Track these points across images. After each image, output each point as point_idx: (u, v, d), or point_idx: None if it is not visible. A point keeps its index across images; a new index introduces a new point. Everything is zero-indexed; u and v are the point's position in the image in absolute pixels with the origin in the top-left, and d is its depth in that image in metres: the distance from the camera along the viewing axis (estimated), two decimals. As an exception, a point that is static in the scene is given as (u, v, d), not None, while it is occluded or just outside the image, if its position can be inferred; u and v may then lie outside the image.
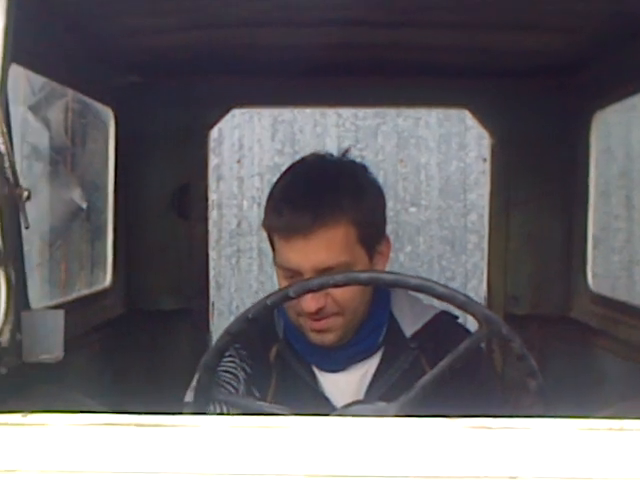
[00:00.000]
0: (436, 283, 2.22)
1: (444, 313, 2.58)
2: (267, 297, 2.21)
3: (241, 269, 5.99)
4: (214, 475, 1.62)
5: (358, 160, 2.73)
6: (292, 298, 2.23)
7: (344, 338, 2.52)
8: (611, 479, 1.62)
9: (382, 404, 2.16)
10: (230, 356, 2.52)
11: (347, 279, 2.25)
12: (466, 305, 2.18)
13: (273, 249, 2.55)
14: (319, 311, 2.42)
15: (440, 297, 2.21)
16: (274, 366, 2.54)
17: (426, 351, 2.40)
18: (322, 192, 2.47)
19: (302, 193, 2.48)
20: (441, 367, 2.16)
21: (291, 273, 2.46)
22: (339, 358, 2.56)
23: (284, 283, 2.46)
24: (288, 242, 2.44)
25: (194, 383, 2.31)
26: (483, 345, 2.66)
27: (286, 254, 2.46)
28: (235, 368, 2.53)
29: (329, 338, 2.50)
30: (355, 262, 2.46)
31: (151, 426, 1.70)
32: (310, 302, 2.38)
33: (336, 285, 2.23)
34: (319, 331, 2.49)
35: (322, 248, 2.41)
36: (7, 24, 1.95)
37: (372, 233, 2.53)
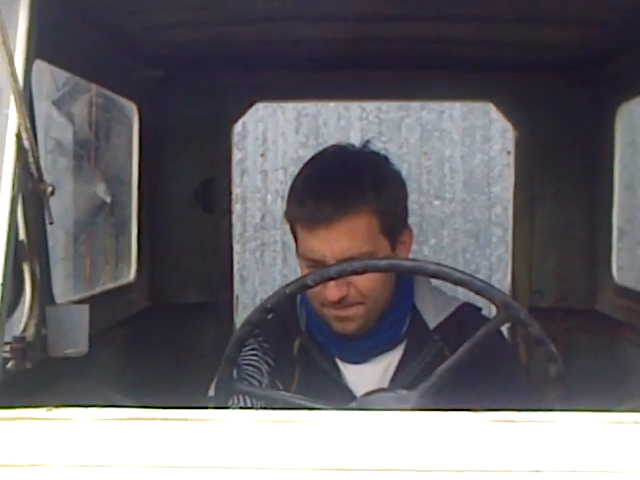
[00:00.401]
0: (454, 269, 2.21)
1: (467, 305, 2.58)
2: (286, 286, 2.21)
3: (265, 263, 6.00)
4: (237, 469, 1.63)
5: (381, 152, 2.74)
6: (310, 287, 2.24)
7: (366, 327, 2.52)
8: (636, 472, 1.62)
9: (403, 392, 2.17)
10: (253, 349, 2.53)
11: (365, 266, 2.24)
12: (484, 291, 2.18)
13: (296, 240, 2.56)
14: (342, 300, 2.42)
15: (458, 283, 2.21)
16: (297, 359, 2.54)
17: (449, 343, 2.38)
18: (344, 182, 2.48)
19: (324, 183, 2.49)
20: (460, 353, 2.15)
21: (314, 263, 2.46)
22: (362, 349, 2.56)
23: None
24: (311, 232, 2.45)
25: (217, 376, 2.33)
26: (507, 337, 2.66)
27: (309, 244, 2.47)
28: (258, 361, 2.54)
29: (352, 327, 2.50)
30: (377, 252, 2.46)
31: (176, 420, 1.71)
32: (333, 291, 2.39)
33: (354, 272, 2.23)
34: (342, 319, 2.49)
35: (344, 238, 2.42)
36: (31, 20, 1.96)
37: (394, 223, 2.54)
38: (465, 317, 2.52)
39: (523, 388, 2.54)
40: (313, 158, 2.68)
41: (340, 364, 2.58)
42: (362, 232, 2.44)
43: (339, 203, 2.42)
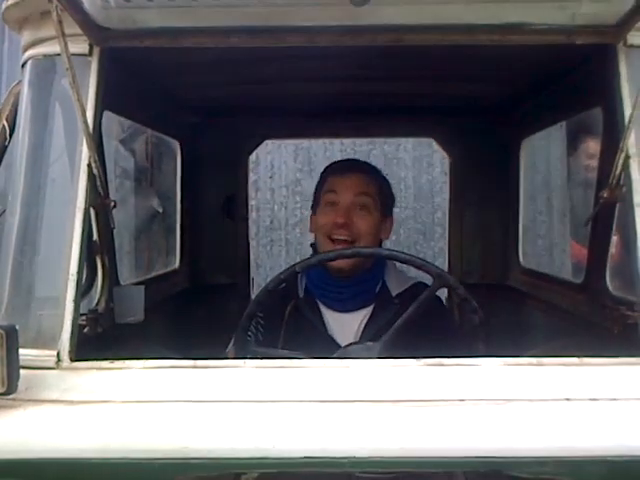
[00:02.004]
0: (401, 252, 2.29)
1: (421, 282, 2.56)
2: (281, 272, 2.26)
3: (273, 254, 5.98)
4: (247, 402, 1.63)
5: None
6: (298, 272, 2.28)
7: (354, 270, 2.53)
8: (531, 399, 1.62)
9: (370, 344, 2.16)
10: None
11: (338, 254, 2.33)
12: (423, 266, 2.20)
13: (319, 192, 2.64)
14: (345, 225, 2.50)
15: (404, 261, 2.26)
16: (287, 320, 2.52)
17: (406, 306, 2.29)
18: (366, 163, 2.76)
19: (354, 159, 2.87)
20: (408, 313, 2.16)
21: (334, 198, 2.56)
22: (345, 295, 2.56)
23: (322, 217, 2.58)
24: (341, 178, 2.58)
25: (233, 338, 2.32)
26: (445, 304, 2.66)
27: (336, 184, 2.58)
28: (254, 328, 2.52)
29: (346, 265, 2.49)
30: (373, 214, 2.56)
31: (204, 367, 1.71)
32: (341, 217, 2.50)
33: (330, 259, 2.34)
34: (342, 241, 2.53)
35: (361, 185, 2.56)
36: (99, 81, 1.95)
37: (386, 204, 2.65)
38: (418, 289, 2.48)
39: (456, 339, 2.51)
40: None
41: (326, 314, 2.56)
42: (371, 191, 2.57)
43: (361, 167, 2.68)
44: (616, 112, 1.86)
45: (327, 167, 2.74)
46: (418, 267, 2.22)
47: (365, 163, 2.78)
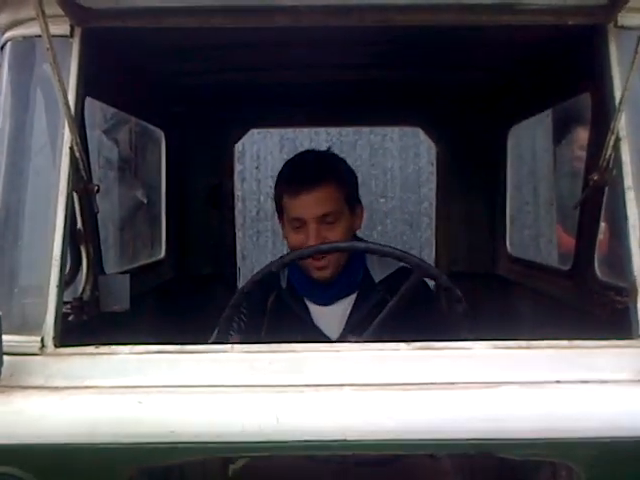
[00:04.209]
0: (379, 245, 2.25)
1: (404, 268, 2.53)
2: (260, 270, 2.21)
3: (260, 245, 5.96)
4: (235, 387, 1.61)
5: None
6: (275, 272, 2.24)
7: (336, 273, 2.53)
8: (522, 382, 1.62)
9: (353, 338, 2.15)
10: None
11: (317, 249, 2.31)
12: (402, 258, 2.18)
13: (281, 215, 2.57)
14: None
15: (384, 254, 2.24)
16: (269, 310, 2.52)
17: (390, 293, 2.30)
18: (317, 164, 2.56)
19: (303, 166, 2.58)
20: (390, 306, 2.15)
21: (298, 223, 2.48)
22: (329, 292, 2.55)
23: (292, 236, 2.51)
24: (296, 198, 2.48)
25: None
26: (434, 291, 2.64)
27: (294, 208, 2.49)
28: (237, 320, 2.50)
29: (327, 273, 2.51)
30: (342, 213, 2.50)
31: (191, 352, 1.70)
32: (314, 240, 2.43)
33: (306, 256, 2.31)
34: (319, 268, 2.50)
35: (320, 200, 2.46)
36: (80, 65, 1.92)
37: (352, 196, 2.58)
38: (401, 275, 2.43)
39: (443, 326, 2.48)
40: (294, 157, 2.73)
41: (310, 307, 2.56)
42: (332, 198, 2.48)
43: (314, 177, 2.48)
44: (606, 94, 1.86)
45: (279, 181, 2.61)
46: (397, 259, 2.21)
47: (315, 168, 2.55)
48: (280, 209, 2.58)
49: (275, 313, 2.51)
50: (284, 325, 2.45)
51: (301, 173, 2.53)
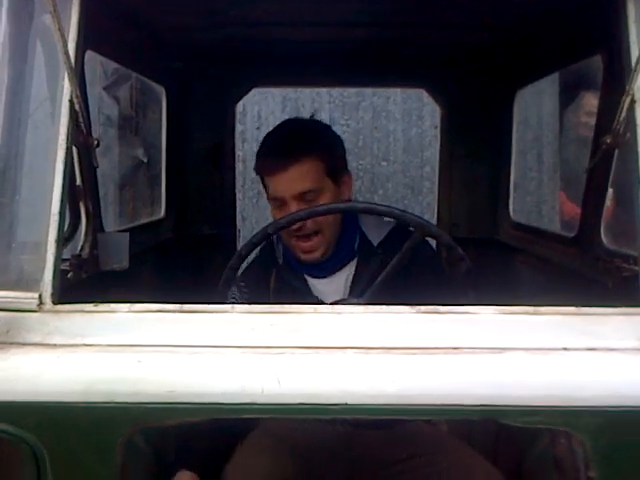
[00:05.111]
0: (377, 204, 2.20)
1: (399, 226, 2.44)
2: (257, 232, 2.15)
3: (260, 206, 5.89)
4: (235, 347, 1.59)
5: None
6: (270, 234, 2.16)
7: (327, 253, 2.44)
8: (528, 348, 1.59)
9: (354, 300, 2.12)
10: (233, 293, 2.43)
11: (309, 213, 2.19)
12: (402, 217, 2.14)
13: (265, 188, 2.46)
14: (301, 228, 2.34)
15: (382, 214, 2.18)
16: (272, 288, 2.46)
17: (391, 254, 2.20)
18: (294, 138, 2.41)
19: (280, 142, 2.43)
20: (392, 265, 2.10)
21: (279, 202, 2.38)
22: (326, 267, 2.47)
23: (276, 214, 2.38)
24: (274, 177, 2.36)
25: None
26: (436, 252, 2.59)
27: (273, 187, 2.38)
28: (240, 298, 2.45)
29: (315, 256, 2.42)
30: (325, 189, 2.38)
31: (191, 312, 1.66)
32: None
33: (300, 219, 2.19)
34: (306, 251, 2.40)
35: (298, 179, 2.33)
36: (80, 16, 1.86)
37: (335, 167, 2.44)
38: (400, 233, 2.36)
39: (446, 286, 2.41)
40: (273, 129, 2.57)
41: (310, 280, 2.48)
42: (311, 174, 2.35)
43: (290, 153, 2.34)
44: (621, 55, 1.80)
45: (257, 158, 2.46)
46: (397, 218, 2.16)
47: (290, 143, 2.39)
48: (264, 186, 2.49)
49: (277, 292, 2.45)
50: (286, 301, 2.41)
51: (276, 150, 2.39)
